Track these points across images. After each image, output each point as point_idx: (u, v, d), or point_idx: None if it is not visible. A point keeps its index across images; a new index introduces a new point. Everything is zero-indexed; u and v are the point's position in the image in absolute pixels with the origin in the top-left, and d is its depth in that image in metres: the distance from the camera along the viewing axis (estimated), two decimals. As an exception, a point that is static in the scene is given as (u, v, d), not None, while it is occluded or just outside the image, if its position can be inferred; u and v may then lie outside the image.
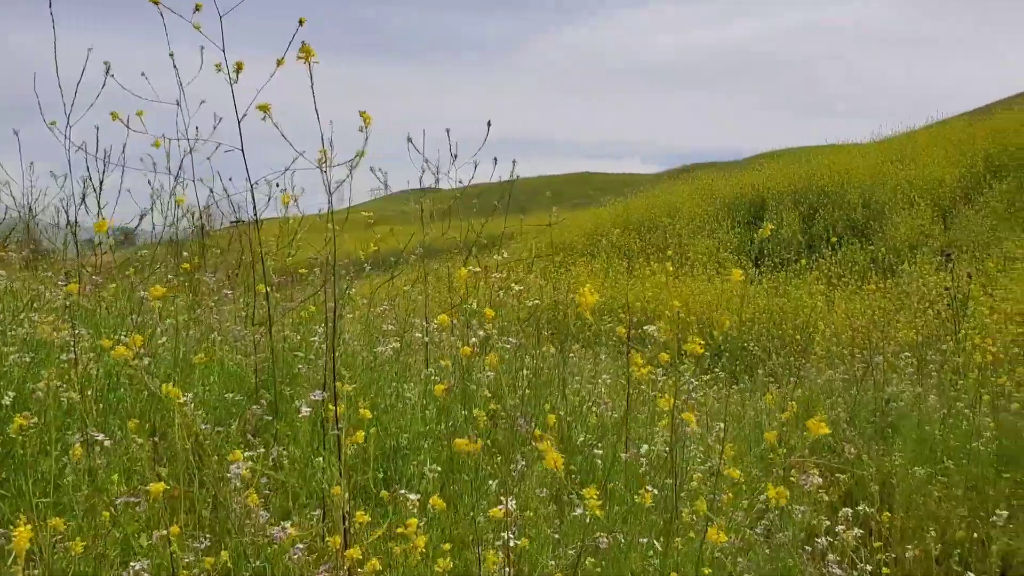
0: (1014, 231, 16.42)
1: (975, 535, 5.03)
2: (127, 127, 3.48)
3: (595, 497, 2.20)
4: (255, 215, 3.61)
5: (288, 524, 2.33)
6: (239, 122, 3.14)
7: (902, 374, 6.22)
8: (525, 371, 3.70)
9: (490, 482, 2.89)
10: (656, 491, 3.15)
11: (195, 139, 3.69)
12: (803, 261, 16.51)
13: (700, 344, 2.89)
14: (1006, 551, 4.98)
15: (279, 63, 2.81)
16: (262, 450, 2.75)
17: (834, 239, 17.70)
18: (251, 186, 3.43)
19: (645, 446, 3.49)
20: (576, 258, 21.78)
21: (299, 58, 2.63)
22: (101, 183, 4.48)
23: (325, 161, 2.81)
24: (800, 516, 3.41)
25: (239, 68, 3.01)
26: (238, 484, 2.35)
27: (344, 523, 2.35)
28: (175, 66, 3.60)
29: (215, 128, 3.97)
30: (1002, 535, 5.07)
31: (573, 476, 3.28)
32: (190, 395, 2.92)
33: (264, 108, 2.75)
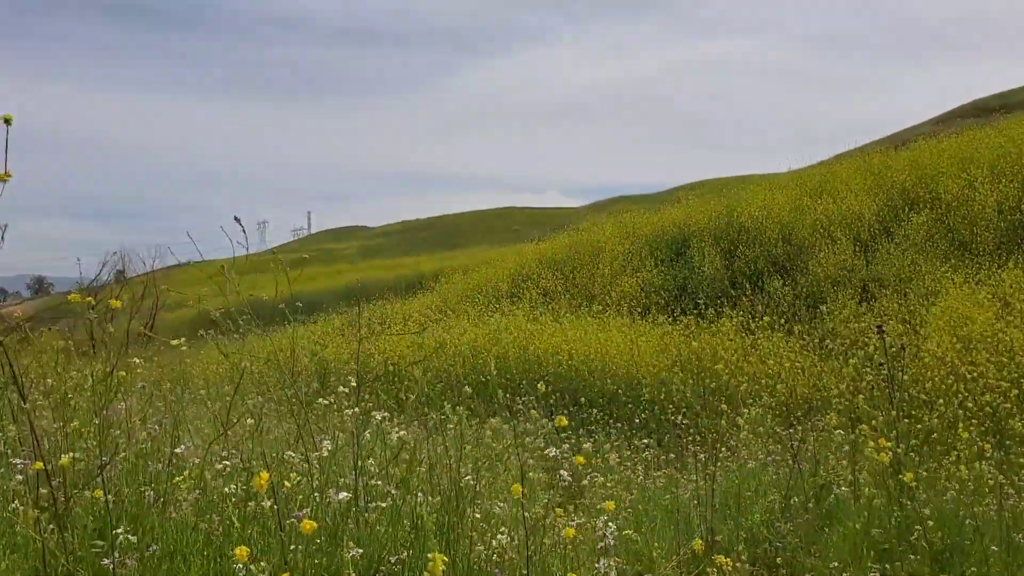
0: (933, 264, 16.42)
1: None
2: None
3: None
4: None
5: None
6: None
7: (838, 453, 5.78)
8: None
9: None
10: None
11: None
12: (728, 307, 16.23)
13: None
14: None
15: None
16: None
17: (757, 277, 17.56)
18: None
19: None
20: (501, 301, 21.29)
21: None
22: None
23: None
24: None
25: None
26: None
27: None
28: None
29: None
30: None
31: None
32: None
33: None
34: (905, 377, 7.82)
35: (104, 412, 3.06)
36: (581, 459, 3.75)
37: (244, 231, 3.80)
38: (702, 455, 6.71)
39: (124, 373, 3.44)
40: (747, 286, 18.03)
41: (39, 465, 2.54)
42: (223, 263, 4.20)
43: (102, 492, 2.51)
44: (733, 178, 40.49)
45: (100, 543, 2.44)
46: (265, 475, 2.30)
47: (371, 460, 3.27)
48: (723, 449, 7.13)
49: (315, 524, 2.50)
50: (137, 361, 3.41)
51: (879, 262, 17.06)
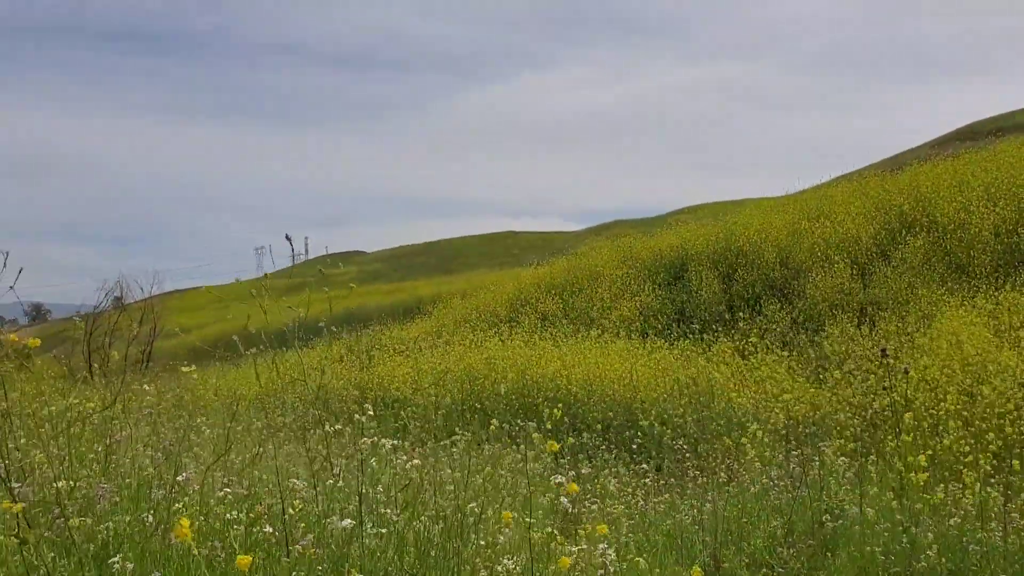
0: (930, 287, 16.43)
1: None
2: None
3: None
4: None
5: None
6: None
7: (840, 478, 5.76)
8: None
9: None
10: None
11: None
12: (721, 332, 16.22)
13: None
14: None
15: None
16: None
17: (755, 301, 17.56)
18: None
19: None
20: (500, 326, 21.25)
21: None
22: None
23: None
24: None
25: None
26: None
27: None
28: None
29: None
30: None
31: None
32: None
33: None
34: (914, 400, 7.80)
35: (108, 440, 3.05)
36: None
37: (293, 248, 3.81)
38: (703, 479, 6.69)
39: (130, 399, 3.44)
40: (745, 310, 18.03)
41: (7, 504, 2.53)
42: (265, 279, 4.20)
43: (83, 520, 2.50)
44: (730, 202, 40.68)
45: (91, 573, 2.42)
46: (185, 522, 2.32)
47: (379, 487, 3.26)
48: (723, 474, 7.10)
49: (249, 559, 2.51)
50: (147, 388, 3.41)
51: (876, 285, 17.08)
